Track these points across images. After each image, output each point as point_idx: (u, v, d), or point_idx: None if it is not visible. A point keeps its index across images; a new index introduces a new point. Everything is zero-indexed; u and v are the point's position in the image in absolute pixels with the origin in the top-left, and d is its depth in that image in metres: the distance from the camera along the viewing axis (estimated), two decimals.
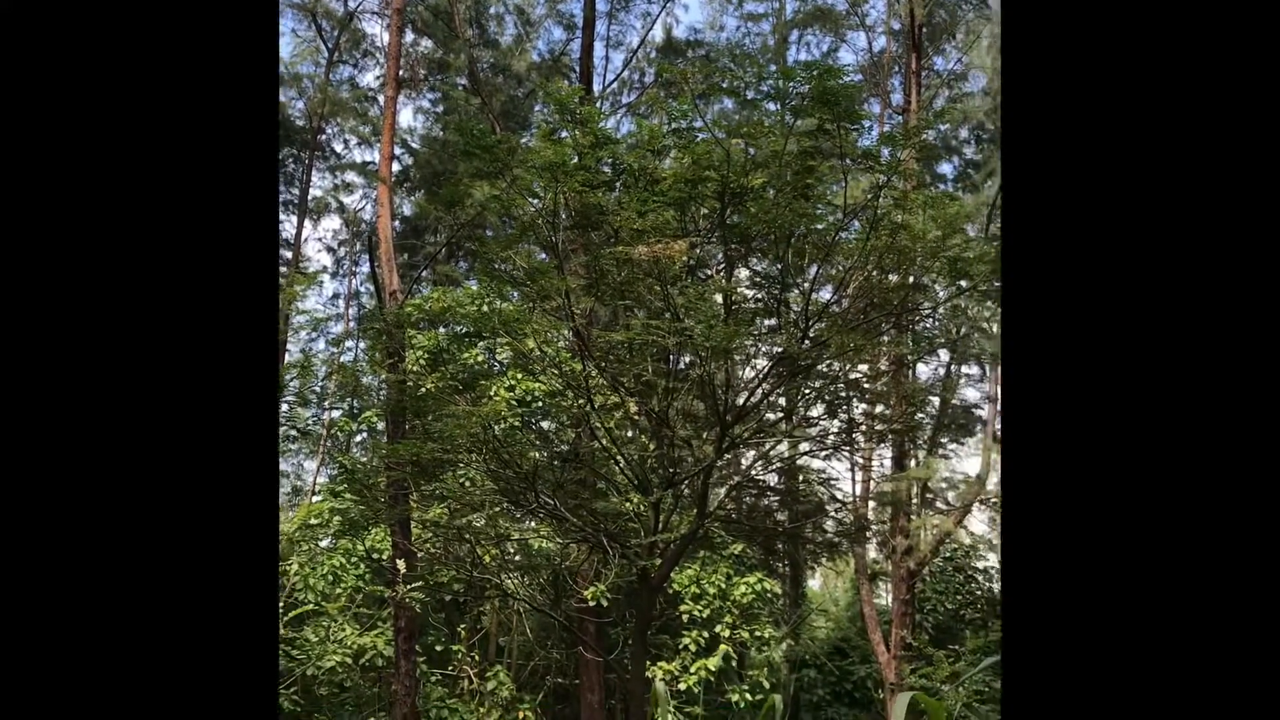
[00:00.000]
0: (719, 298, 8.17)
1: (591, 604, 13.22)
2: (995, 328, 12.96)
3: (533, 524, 10.70)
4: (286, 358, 19.03)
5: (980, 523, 20.88)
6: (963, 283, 8.39)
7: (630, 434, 9.64)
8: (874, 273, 8.22)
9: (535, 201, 7.86)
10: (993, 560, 20.65)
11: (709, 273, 8.60)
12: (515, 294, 9.26)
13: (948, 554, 19.84)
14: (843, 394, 10.21)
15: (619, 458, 8.56)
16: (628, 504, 8.46)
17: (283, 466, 22.09)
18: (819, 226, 7.82)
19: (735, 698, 14.70)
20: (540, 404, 13.68)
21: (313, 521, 15.33)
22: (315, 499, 18.71)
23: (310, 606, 13.53)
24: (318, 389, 19.42)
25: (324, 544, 15.52)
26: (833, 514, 15.96)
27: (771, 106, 7.79)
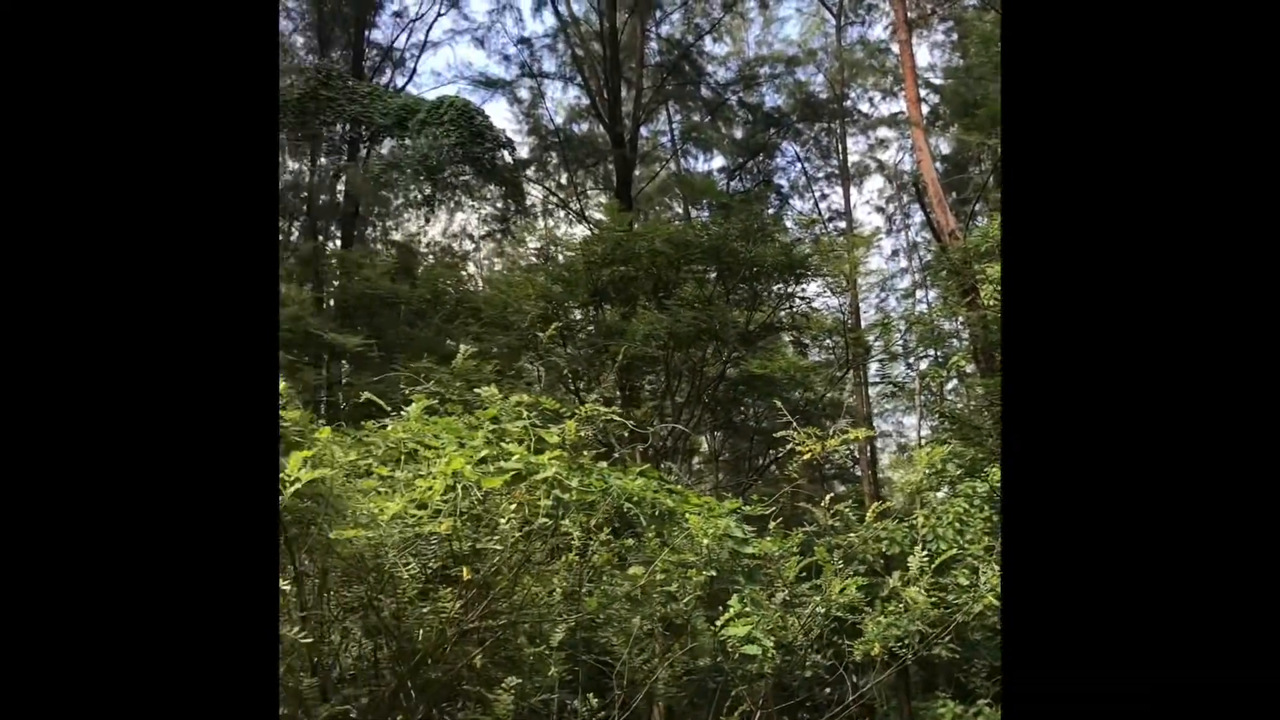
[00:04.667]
0: None
1: None
2: None
3: None
4: (863, 321, 19.24)
5: None
6: None
7: None
8: None
9: None
10: None
11: None
12: None
13: None
14: None
15: None
16: None
17: (882, 425, 22.31)
18: None
19: None
20: None
21: (926, 471, 15.28)
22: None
23: (953, 551, 13.52)
24: (901, 344, 19.36)
25: (939, 494, 15.30)
26: None
27: None
